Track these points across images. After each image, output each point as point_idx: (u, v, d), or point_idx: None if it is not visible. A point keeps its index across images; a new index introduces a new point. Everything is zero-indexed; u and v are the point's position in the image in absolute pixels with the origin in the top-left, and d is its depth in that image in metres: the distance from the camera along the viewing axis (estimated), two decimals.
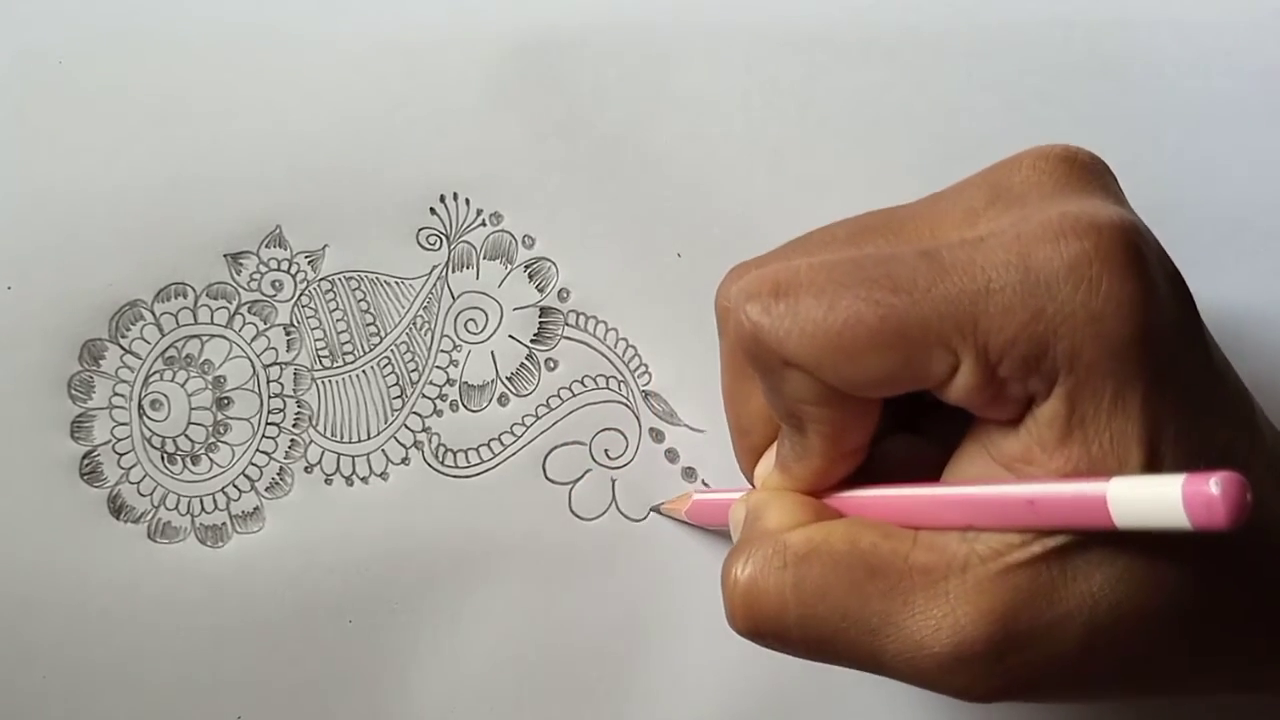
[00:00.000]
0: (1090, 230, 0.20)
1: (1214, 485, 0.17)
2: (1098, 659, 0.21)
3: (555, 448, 0.32)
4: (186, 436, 0.31)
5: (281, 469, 0.31)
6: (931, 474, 0.24)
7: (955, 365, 0.21)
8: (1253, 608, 0.22)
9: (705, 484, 0.32)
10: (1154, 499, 0.18)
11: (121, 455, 0.31)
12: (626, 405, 0.32)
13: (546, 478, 0.31)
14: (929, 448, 0.25)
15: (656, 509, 0.31)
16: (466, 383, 0.32)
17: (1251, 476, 0.19)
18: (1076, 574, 0.21)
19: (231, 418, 0.31)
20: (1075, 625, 0.21)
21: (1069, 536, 0.20)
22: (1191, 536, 0.18)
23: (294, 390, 0.31)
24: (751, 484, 0.27)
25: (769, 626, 0.22)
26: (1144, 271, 0.20)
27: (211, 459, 0.31)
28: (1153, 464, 0.20)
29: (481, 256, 0.32)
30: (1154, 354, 0.20)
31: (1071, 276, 0.20)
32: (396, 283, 0.32)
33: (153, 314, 0.31)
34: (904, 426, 0.26)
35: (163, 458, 0.31)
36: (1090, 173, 0.23)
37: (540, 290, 0.32)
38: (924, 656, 0.21)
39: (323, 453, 0.31)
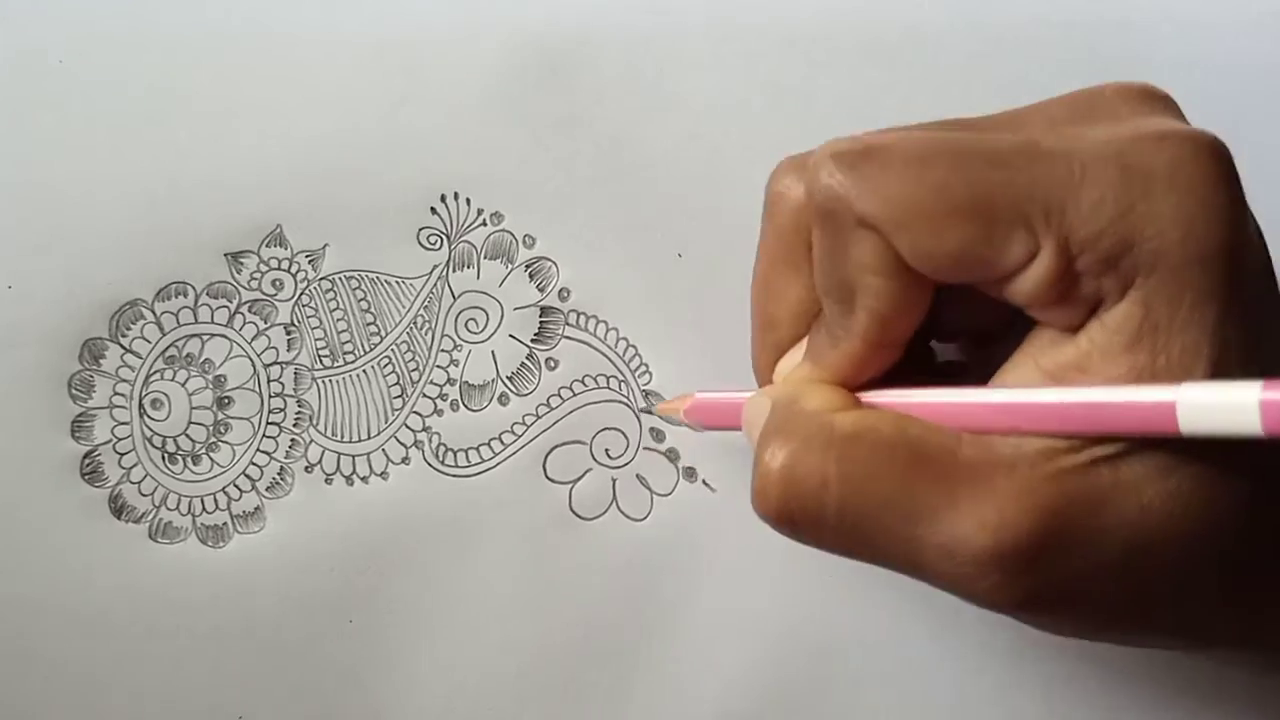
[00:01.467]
0: (1190, 140, 0.20)
1: None
2: (1137, 575, 0.21)
3: (556, 447, 0.32)
4: (187, 436, 0.31)
5: (282, 469, 0.31)
6: None
7: (1034, 251, 0.20)
8: None
9: (706, 484, 0.32)
10: (1228, 405, 0.18)
11: (122, 455, 0.31)
12: (627, 405, 0.32)
13: (547, 477, 0.31)
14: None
15: (649, 410, 0.31)
16: (467, 382, 0.32)
17: None
18: (1129, 486, 0.20)
19: (232, 417, 0.31)
20: (1121, 536, 0.20)
21: (1123, 445, 0.20)
22: (1249, 460, 0.17)
23: (294, 390, 0.31)
24: (765, 384, 0.26)
25: (805, 510, 0.22)
26: (1237, 188, 0.20)
27: (212, 458, 0.31)
28: (1222, 379, 0.19)
29: (482, 256, 0.32)
30: (1237, 269, 0.20)
31: (1167, 176, 0.20)
32: (397, 282, 0.32)
33: (153, 313, 0.31)
34: (929, 372, 0.25)
35: (163, 457, 0.31)
36: (1170, 104, 0.23)
37: (541, 290, 0.32)
38: (965, 550, 0.20)
39: (323, 452, 0.31)
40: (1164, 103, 0.23)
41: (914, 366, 0.24)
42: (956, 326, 0.25)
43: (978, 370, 0.23)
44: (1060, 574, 0.20)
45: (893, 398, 0.23)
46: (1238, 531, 0.21)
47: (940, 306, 0.23)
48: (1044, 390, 0.21)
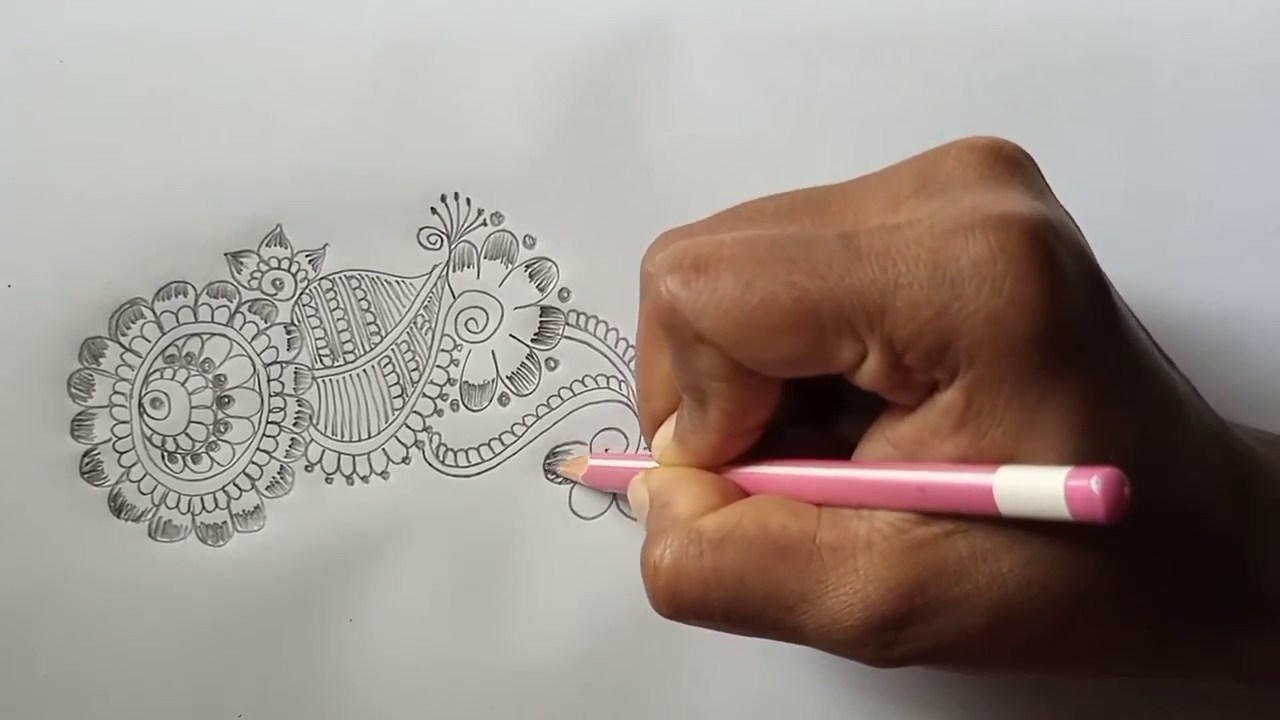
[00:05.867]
0: (1000, 226, 0.20)
1: (1095, 482, 0.18)
2: (1005, 635, 0.22)
3: (556, 447, 0.32)
4: (187, 435, 0.31)
5: (282, 468, 0.31)
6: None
7: (863, 353, 0.21)
8: (1164, 590, 0.23)
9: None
10: (1037, 490, 0.19)
11: (122, 454, 0.31)
12: (627, 405, 0.32)
13: (546, 477, 0.31)
14: (832, 445, 0.25)
15: (552, 470, 0.31)
16: (467, 382, 0.32)
17: (1171, 469, 0.21)
18: (985, 555, 0.21)
19: (232, 416, 0.31)
20: (984, 603, 0.21)
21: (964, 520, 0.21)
22: (1092, 531, 0.18)
23: (294, 389, 0.31)
24: (649, 447, 0.28)
25: (693, 610, 0.23)
26: (1050, 270, 0.20)
27: (212, 458, 0.31)
28: (1042, 458, 0.20)
29: (482, 256, 0.32)
30: (1055, 353, 0.20)
31: (976, 275, 0.20)
32: (397, 282, 0.32)
33: (153, 312, 0.31)
34: (814, 419, 0.26)
35: (163, 456, 0.31)
36: (1013, 165, 0.23)
37: (541, 290, 0.32)
38: (837, 628, 0.22)
39: (323, 451, 0.31)
40: (1005, 165, 0.23)
41: (801, 422, 0.26)
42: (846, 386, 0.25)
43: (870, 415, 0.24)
44: (929, 637, 0.22)
45: (756, 474, 0.25)
46: (1103, 591, 0.22)
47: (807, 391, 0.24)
48: (879, 469, 0.22)
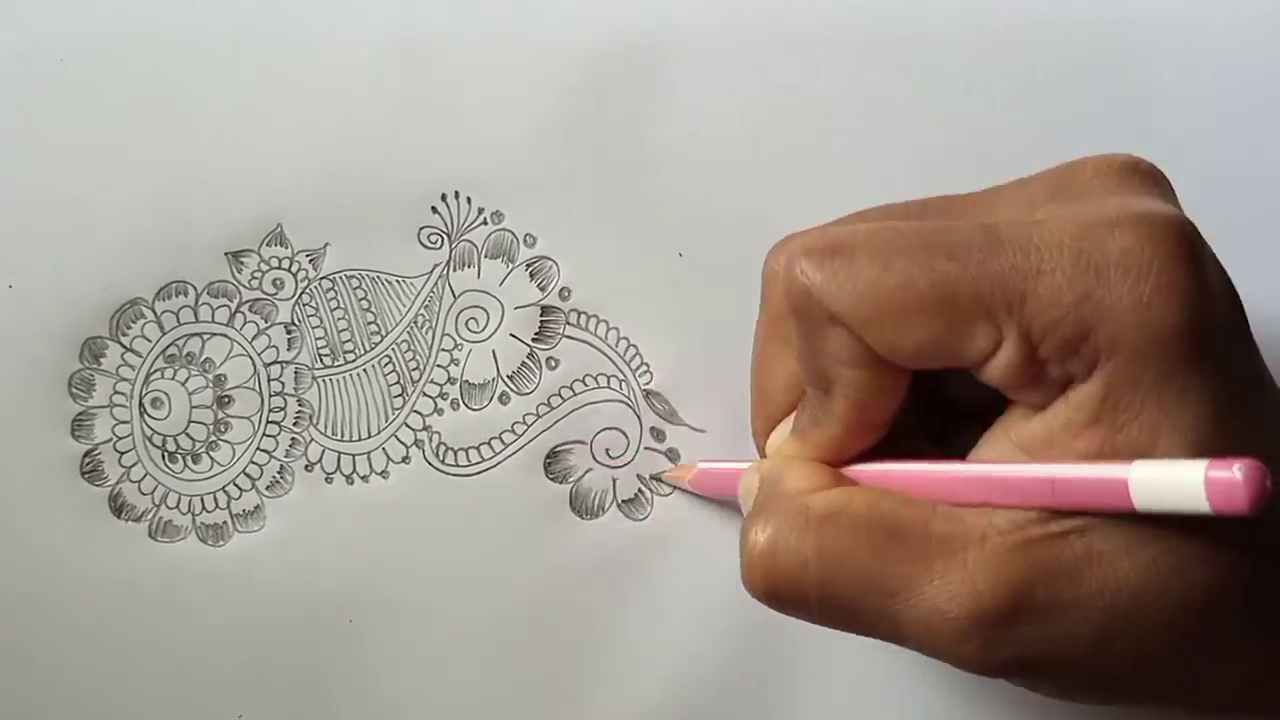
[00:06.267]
0: (1146, 221, 0.20)
1: (1237, 470, 0.17)
2: (1113, 646, 0.21)
3: (556, 446, 0.32)
4: (187, 435, 0.31)
5: (282, 467, 0.31)
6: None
7: (998, 341, 0.21)
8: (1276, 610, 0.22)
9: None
10: (1176, 482, 0.18)
11: (122, 454, 0.31)
12: (627, 404, 0.32)
13: (547, 477, 0.31)
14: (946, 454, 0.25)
15: (657, 477, 0.31)
16: (467, 381, 0.32)
17: None
18: (1102, 558, 0.21)
19: (232, 416, 0.31)
20: (1096, 607, 0.21)
21: (1092, 518, 0.20)
22: (1222, 533, 0.18)
23: (295, 389, 0.31)
24: (762, 455, 0.27)
25: (788, 589, 0.22)
26: (1197, 265, 0.20)
27: (212, 457, 0.31)
28: (1176, 457, 0.20)
29: (483, 255, 0.32)
30: (1199, 347, 0.20)
31: (1123, 262, 0.20)
32: (398, 281, 0.32)
33: (153, 312, 0.31)
34: (927, 435, 0.26)
35: (164, 456, 0.31)
36: (1151, 179, 0.23)
37: (541, 289, 0.32)
38: (941, 622, 0.21)
39: (323, 451, 0.31)
40: (1143, 177, 0.23)
41: (916, 435, 0.25)
42: (969, 391, 0.25)
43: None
44: (1035, 641, 0.21)
45: (872, 471, 0.24)
46: (1218, 606, 0.21)
47: (954, 376, 0.23)
48: (1007, 465, 0.21)
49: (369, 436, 0.31)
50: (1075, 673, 0.22)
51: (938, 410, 0.25)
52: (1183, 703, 0.23)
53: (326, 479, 0.31)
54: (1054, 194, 0.23)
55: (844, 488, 0.23)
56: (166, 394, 0.31)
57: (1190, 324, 0.20)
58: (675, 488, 0.31)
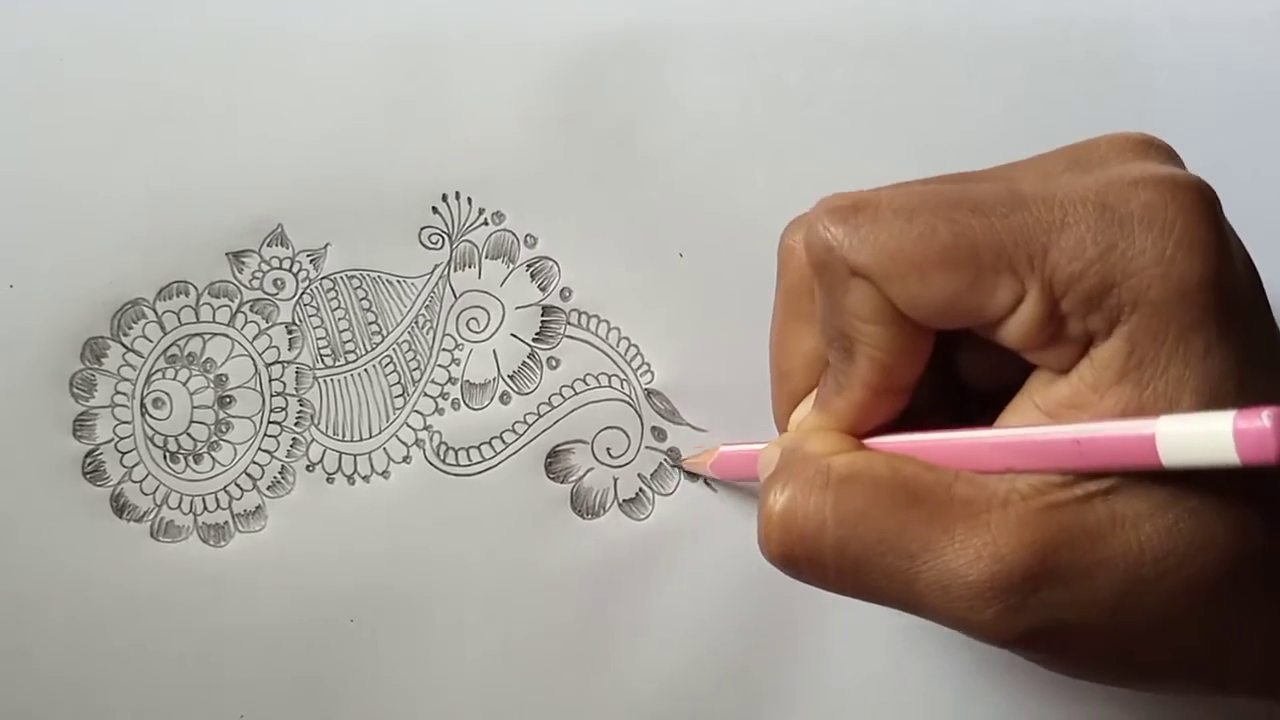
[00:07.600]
0: (1169, 180, 0.20)
1: (1267, 418, 0.17)
2: (1133, 615, 0.21)
3: (557, 446, 0.32)
4: (189, 435, 0.31)
5: (283, 468, 0.31)
6: None
7: (1020, 295, 0.21)
8: None
9: (708, 484, 0.32)
10: (1204, 435, 0.18)
11: (124, 454, 0.31)
12: (629, 404, 0.32)
13: (548, 476, 0.31)
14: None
15: (678, 464, 0.31)
16: (468, 381, 0.32)
17: None
18: (1124, 521, 0.20)
19: (233, 416, 0.31)
20: (1117, 571, 0.20)
21: (1115, 480, 0.20)
22: (1243, 497, 0.18)
23: (296, 389, 0.31)
24: (783, 432, 0.27)
25: (804, 549, 0.22)
26: (1217, 223, 0.20)
27: (214, 457, 0.31)
28: (1207, 410, 0.20)
29: (483, 255, 0.32)
30: (1221, 301, 0.20)
31: (1146, 216, 0.20)
32: (399, 281, 0.32)
33: (155, 312, 0.31)
34: (947, 411, 0.25)
35: (165, 456, 0.31)
36: (1166, 153, 0.23)
37: (542, 289, 0.32)
38: (960, 585, 0.21)
39: (324, 451, 0.31)
40: (1158, 150, 0.23)
41: (939, 411, 0.25)
42: (983, 373, 0.25)
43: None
44: (1055, 607, 0.21)
45: (894, 441, 0.24)
46: (1244, 569, 0.21)
47: (968, 356, 0.23)
48: (1031, 428, 0.21)
49: (370, 436, 0.31)
50: (1093, 644, 0.22)
51: (953, 395, 0.25)
52: (1197, 680, 0.23)
53: (328, 479, 0.31)
54: (1072, 164, 0.23)
55: (865, 452, 0.23)
56: (168, 394, 0.31)
57: (1213, 278, 0.20)
58: (696, 475, 0.31)
